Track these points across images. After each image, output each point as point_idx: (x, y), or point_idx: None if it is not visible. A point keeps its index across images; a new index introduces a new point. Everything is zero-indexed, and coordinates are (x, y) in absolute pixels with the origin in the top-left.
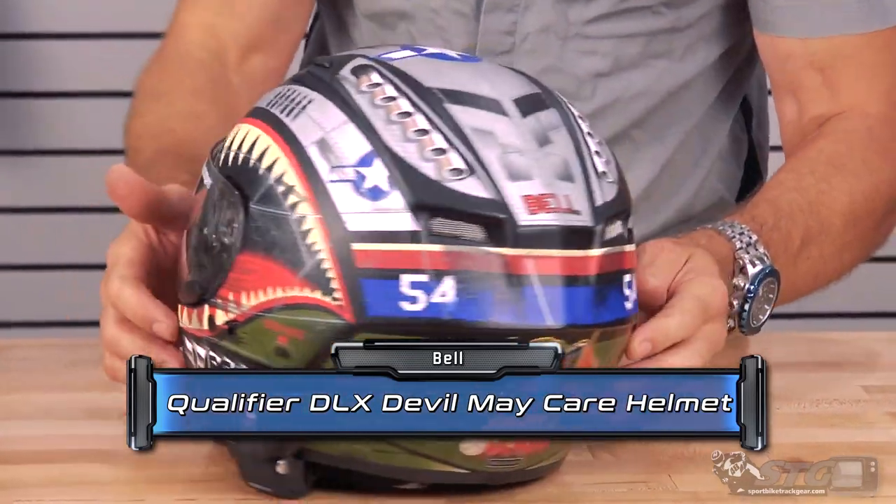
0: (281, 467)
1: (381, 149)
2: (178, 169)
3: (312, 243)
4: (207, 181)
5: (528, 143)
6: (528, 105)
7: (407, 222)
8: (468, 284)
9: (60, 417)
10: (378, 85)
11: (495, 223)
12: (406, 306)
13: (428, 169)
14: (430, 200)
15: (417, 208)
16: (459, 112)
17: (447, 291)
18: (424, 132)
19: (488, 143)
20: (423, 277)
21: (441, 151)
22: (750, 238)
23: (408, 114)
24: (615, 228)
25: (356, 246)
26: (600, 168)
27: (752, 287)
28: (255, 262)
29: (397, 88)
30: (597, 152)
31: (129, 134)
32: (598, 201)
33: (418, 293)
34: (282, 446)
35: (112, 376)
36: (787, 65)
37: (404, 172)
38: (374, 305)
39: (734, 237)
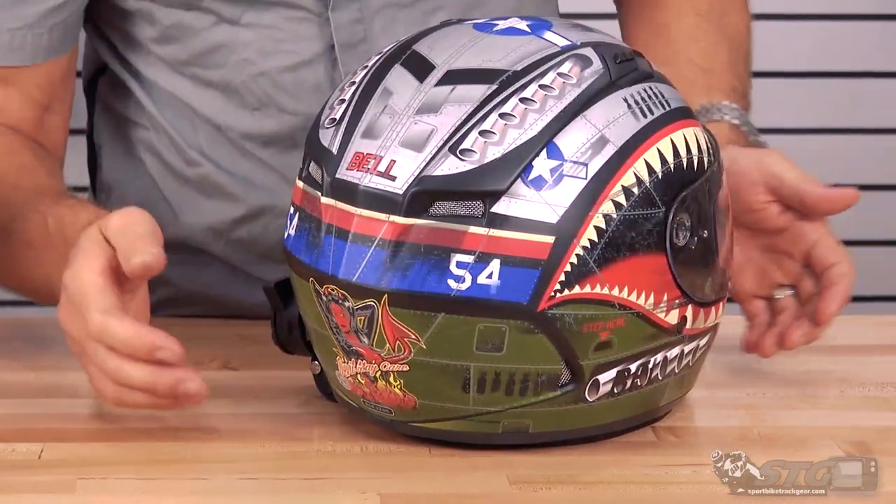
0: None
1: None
2: (58, 204)
3: None
4: None
5: (408, 109)
6: (461, 77)
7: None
8: (296, 223)
9: None
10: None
11: (321, 170)
12: None
13: (325, 111)
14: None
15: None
16: (395, 72)
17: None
18: (353, 83)
19: (380, 102)
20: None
21: (342, 102)
22: (742, 117)
23: (357, 72)
24: (451, 206)
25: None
26: (466, 145)
27: None
28: None
29: (379, 52)
30: (487, 131)
31: None
32: (435, 173)
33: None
34: None
35: (120, 403)
36: None
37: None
38: None
39: (742, 126)
